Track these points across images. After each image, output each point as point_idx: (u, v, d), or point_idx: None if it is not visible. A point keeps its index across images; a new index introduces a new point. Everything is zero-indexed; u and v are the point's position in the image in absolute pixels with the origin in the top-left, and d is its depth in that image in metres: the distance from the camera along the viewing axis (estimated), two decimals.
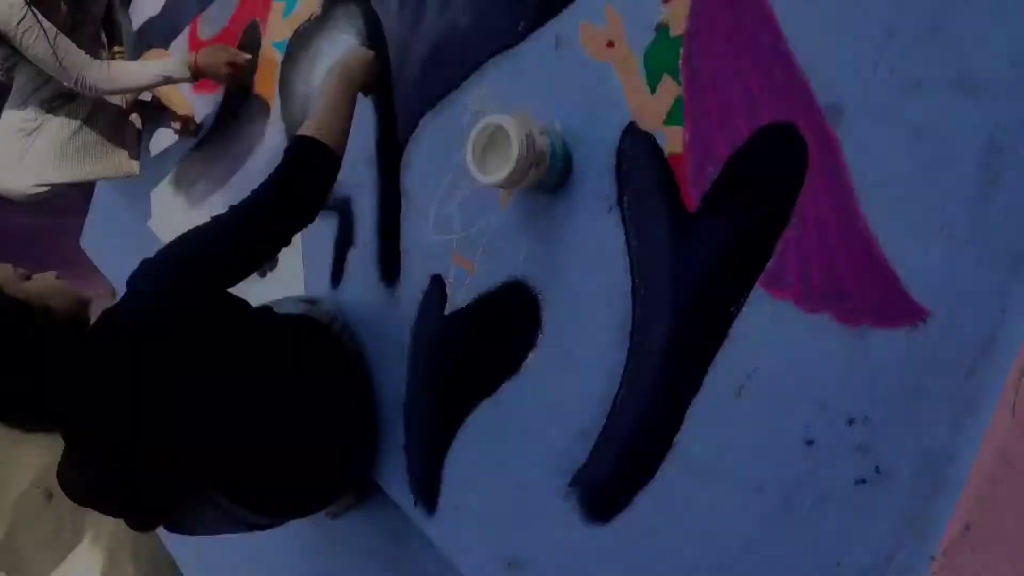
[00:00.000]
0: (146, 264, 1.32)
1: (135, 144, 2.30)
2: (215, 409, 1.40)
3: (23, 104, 2.09)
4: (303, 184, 1.40)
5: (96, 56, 2.16)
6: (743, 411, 1.14)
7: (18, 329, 1.18)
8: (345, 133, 1.47)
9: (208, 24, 2.30)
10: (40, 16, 1.83)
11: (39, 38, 1.83)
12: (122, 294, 1.34)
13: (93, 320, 1.32)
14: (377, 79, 1.68)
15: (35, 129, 2.10)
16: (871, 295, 1.03)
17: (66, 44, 1.91)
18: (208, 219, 1.36)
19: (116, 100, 2.23)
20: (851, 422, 1.03)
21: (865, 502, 1.01)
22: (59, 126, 2.12)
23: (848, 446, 1.03)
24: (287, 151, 1.42)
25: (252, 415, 1.46)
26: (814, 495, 1.05)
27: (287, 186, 1.38)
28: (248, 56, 2.07)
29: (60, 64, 1.89)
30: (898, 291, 1.01)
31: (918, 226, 1.00)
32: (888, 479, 0.99)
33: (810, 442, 1.07)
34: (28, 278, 1.28)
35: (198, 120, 2.32)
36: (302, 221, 1.40)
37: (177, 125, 2.33)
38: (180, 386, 1.32)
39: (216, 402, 1.39)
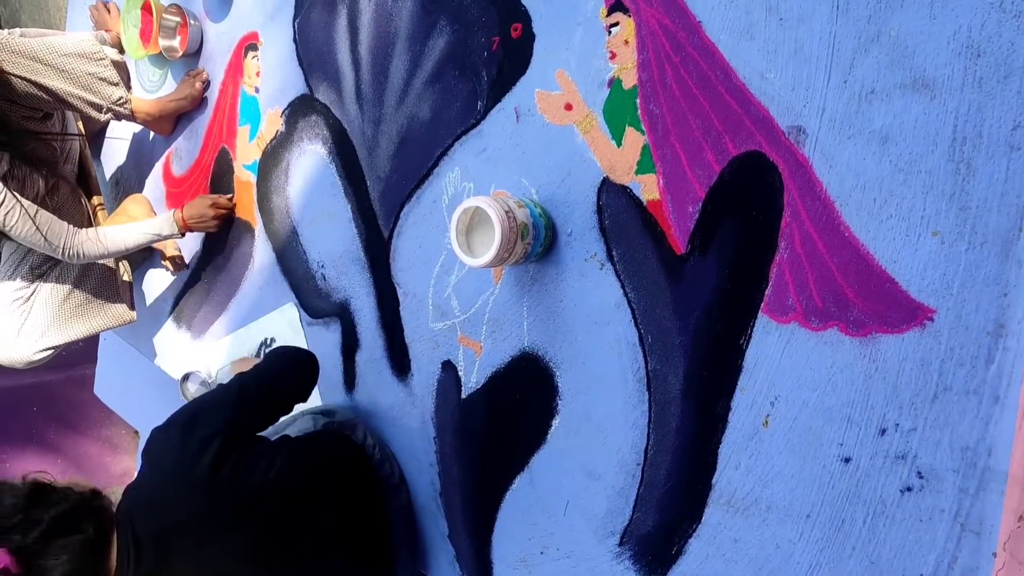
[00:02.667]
0: (155, 433, 1.33)
1: (128, 291, 2.33)
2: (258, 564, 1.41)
3: (12, 275, 2.11)
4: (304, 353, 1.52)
5: (79, 213, 2.20)
6: (774, 440, 1.13)
7: (39, 508, 1.21)
8: None
9: (178, 160, 2.34)
10: (18, 196, 1.86)
11: (21, 217, 1.85)
12: (142, 449, 1.35)
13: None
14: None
15: (29, 297, 2.12)
16: (874, 302, 1.03)
17: (47, 218, 1.92)
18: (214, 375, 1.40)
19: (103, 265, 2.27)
20: (883, 432, 1.02)
21: (916, 509, 1.00)
22: (51, 290, 2.15)
23: (886, 457, 1.02)
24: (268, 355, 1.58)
25: (299, 556, 1.45)
26: (864, 512, 1.04)
27: (291, 350, 1.48)
28: (231, 196, 2.12)
29: (46, 240, 1.91)
30: (899, 294, 1.01)
31: (904, 227, 1.00)
32: (933, 482, 0.98)
33: (847, 459, 1.06)
34: None
35: (186, 256, 2.35)
36: (307, 372, 1.47)
37: (168, 264, 2.37)
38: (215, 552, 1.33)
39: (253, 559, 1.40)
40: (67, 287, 2.15)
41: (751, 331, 1.16)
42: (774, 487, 1.13)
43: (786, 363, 1.12)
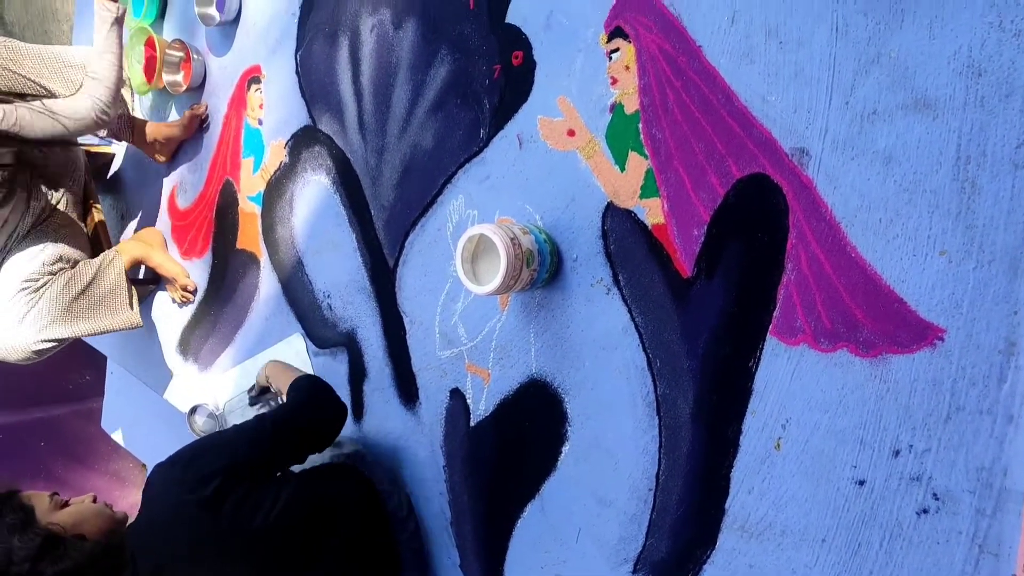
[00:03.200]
0: (157, 469, 1.32)
1: (135, 303, 2.31)
2: None
3: (26, 264, 2.07)
4: (327, 395, 1.52)
5: (80, 231, 2.21)
6: (787, 464, 1.12)
7: (47, 561, 1.19)
8: None
9: (183, 193, 2.36)
10: (16, 104, 1.81)
11: (31, 114, 1.81)
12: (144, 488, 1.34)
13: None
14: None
15: (39, 288, 2.08)
16: (883, 323, 1.03)
17: (52, 103, 1.87)
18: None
19: (124, 261, 2.25)
20: (897, 454, 1.01)
21: (933, 532, 0.99)
22: (64, 287, 2.12)
23: (900, 479, 1.01)
24: (295, 386, 1.56)
25: None
26: (880, 535, 1.03)
27: (314, 392, 1.48)
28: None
29: (66, 120, 1.86)
30: (909, 314, 1.01)
31: (911, 247, 1.00)
32: (949, 504, 0.97)
33: (861, 482, 1.05)
34: (65, 505, 1.30)
35: (190, 287, 2.35)
36: (327, 422, 1.46)
37: (176, 297, 2.37)
38: None
39: None
40: (79, 288, 2.13)
41: (760, 353, 1.15)
42: (788, 511, 1.12)
43: (796, 385, 1.11)
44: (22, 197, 2.03)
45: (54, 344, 2.12)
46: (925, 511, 0.99)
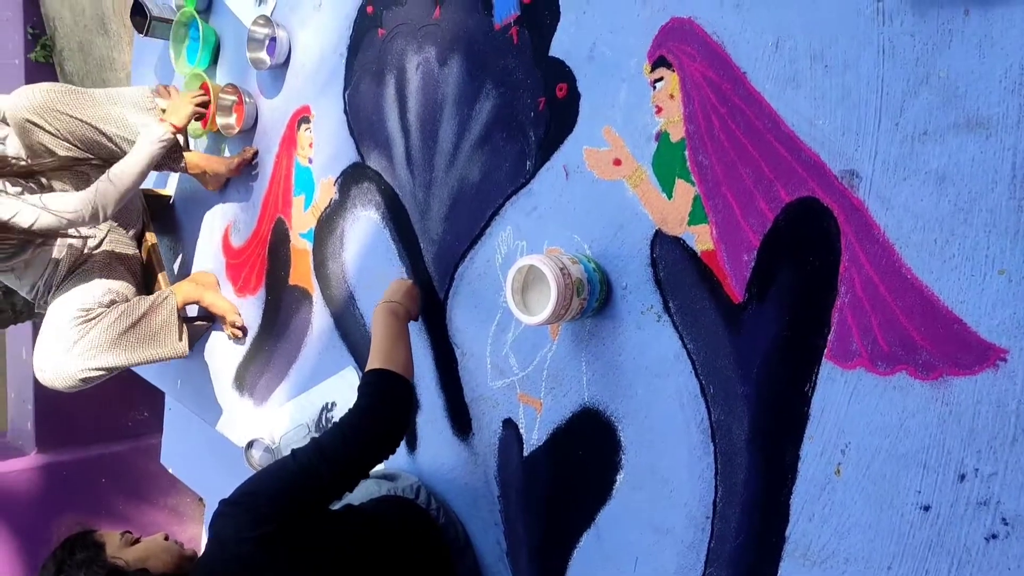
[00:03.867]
0: (221, 506, 1.34)
1: (184, 335, 2.36)
2: None
3: (80, 298, 2.11)
4: (385, 413, 1.41)
5: (136, 265, 2.28)
6: (848, 490, 1.11)
7: None
8: (410, 361, 1.50)
9: (237, 232, 2.42)
10: (19, 196, 1.86)
11: (29, 211, 1.84)
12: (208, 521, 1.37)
13: None
14: (417, 303, 1.73)
15: (92, 319, 2.12)
16: (942, 344, 1.01)
17: (53, 197, 1.91)
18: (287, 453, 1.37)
19: (177, 299, 2.31)
20: (962, 478, 0.99)
21: (1003, 557, 0.96)
22: (116, 319, 2.16)
23: (967, 503, 0.99)
24: (363, 386, 1.42)
25: None
26: (948, 562, 1.01)
27: (370, 416, 1.39)
28: (206, 98, 2.19)
29: (64, 216, 1.89)
30: (969, 335, 0.99)
31: (968, 267, 0.99)
32: (1019, 528, 0.95)
33: (926, 507, 1.03)
34: (136, 542, 1.35)
35: (238, 323, 2.40)
36: (386, 448, 1.40)
37: (229, 332, 2.42)
38: None
39: None
40: (130, 321, 2.18)
41: (816, 378, 1.14)
42: (851, 538, 1.10)
43: (855, 409, 1.10)
44: (51, 244, 2.09)
45: (102, 373, 2.15)
46: (994, 536, 0.97)
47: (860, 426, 1.09)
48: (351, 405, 1.39)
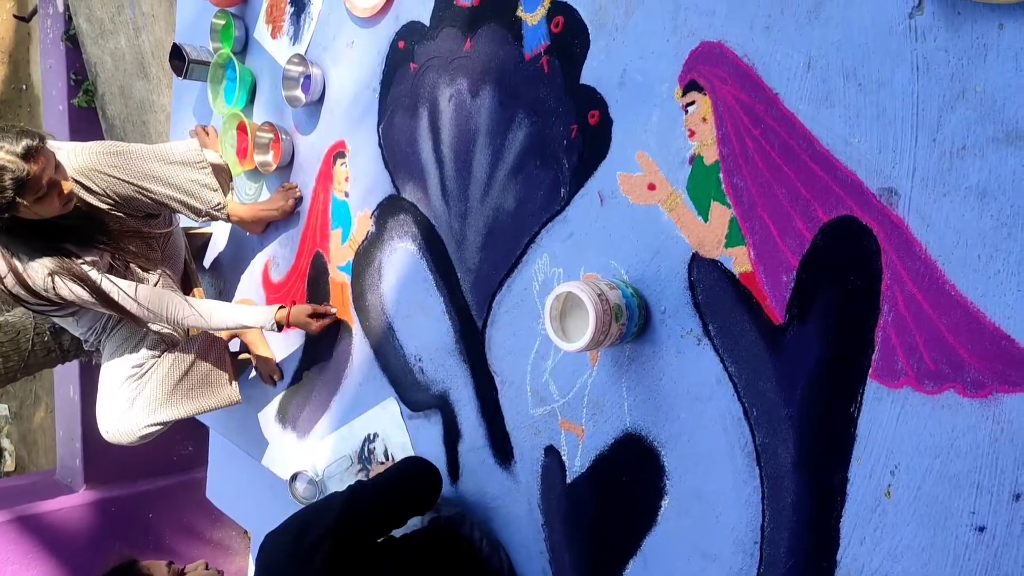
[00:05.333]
0: (269, 538, 1.36)
1: (236, 377, 2.41)
2: None
3: (131, 352, 2.18)
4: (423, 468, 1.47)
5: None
6: (899, 511, 1.09)
7: None
8: None
9: (276, 267, 2.45)
10: (114, 280, 1.95)
11: (121, 297, 1.94)
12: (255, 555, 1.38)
13: None
14: None
15: (144, 374, 2.18)
16: (990, 361, 1.00)
17: (147, 293, 2.01)
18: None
19: (222, 335, 2.36)
20: (1017, 497, 0.97)
21: None
22: (168, 371, 2.21)
23: (1023, 523, 0.97)
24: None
25: None
26: None
27: (411, 465, 1.43)
28: (335, 309, 2.21)
29: (152, 312, 1.99)
30: (1017, 351, 0.97)
31: (1014, 282, 0.97)
32: None
33: (981, 528, 1.01)
34: (181, 573, 1.37)
35: (289, 359, 2.44)
36: (426, 499, 1.45)
37: (264, 376, 2.46)
38: None
39: None
40: (183, 369, 2.23)
41: (861, 398, 1.13)
42: (905, 561, 1.08)
43: (903, 430, 1.08)
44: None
45: (160, 427, 2.22)
46: None
47: (909, 446, 1.08)
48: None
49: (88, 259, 1.91)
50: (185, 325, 2.09)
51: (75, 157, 1.92)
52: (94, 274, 1.90)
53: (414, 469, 1.55)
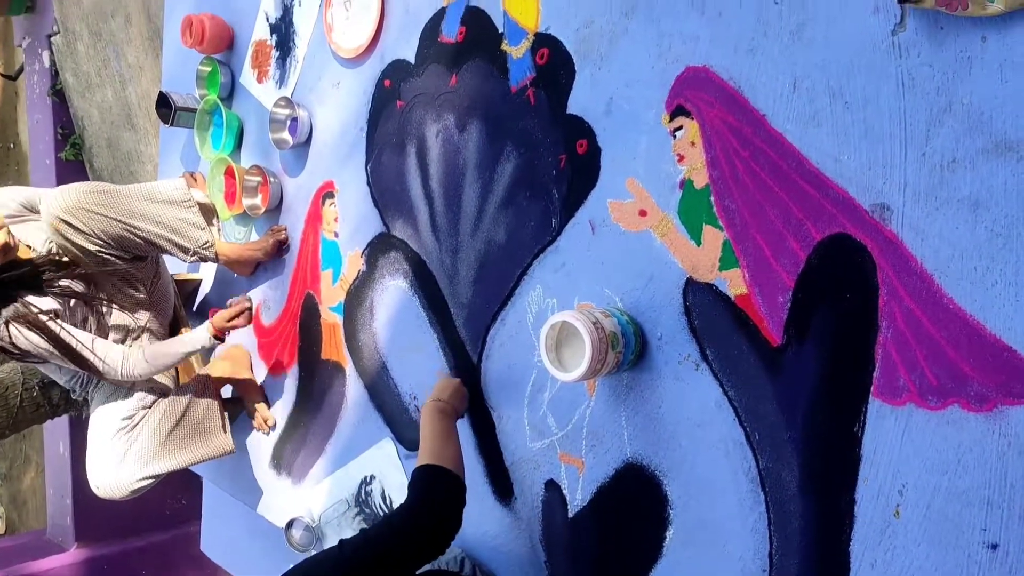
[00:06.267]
0: None
1: (228, 425, 2.36)
2: None
3: (120, 404, 2.14)
4: (435, 509, 1.37)
5: None
6: (909, 532, 1.07)
7: None
8: (460, 458, 1.47)
9: (267, 311, 2.43)
10: (71, 330, 1.92)
11: (79, 346, 1.91)
12: None
13: None
14: (464, 401, 1.71)
15: (135, 426, 2.14)
16: (993, 374, 0.99)
17: (104, 346, 1.98)
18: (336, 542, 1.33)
19: (208, 394, 2.33)
20: None
21: None
22: (159, 422, 2.17)
23: None
24: (413, 483, 1.40)
25: None
26: None
27: (423, 512, 1.36)
28: (247, 298, 2.19)
29: (104, 364, 1.96)
30: (1020, 362, 0.96)
31: (1012, 292, 0.97)
32: None
33: (994, 546, 0.99)
34: None
35: (270, 421, 2.42)
36: (436, 544, 1.35)
37: (256, 422, 2.43)
38: None
39: None
40: (174, 419, 2.19)
41: (864, 417, 1.11)
42: None
43: (908, 448, 1.07)
44: (98, 330, 2.12)
45: (153, 480, 2.18)
46: None
47: (916, 464, 1.06)
48: (402, 501, 1.36)
49: (47, 308, 1.88)
50: (137, 377, 2.05)
51: (62, 198, 1.91)
52: (52, 324, 1.88)
53: (413, 535, 1.43)
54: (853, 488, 1.13)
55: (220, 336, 2.13)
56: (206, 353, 2.18)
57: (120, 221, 1.99)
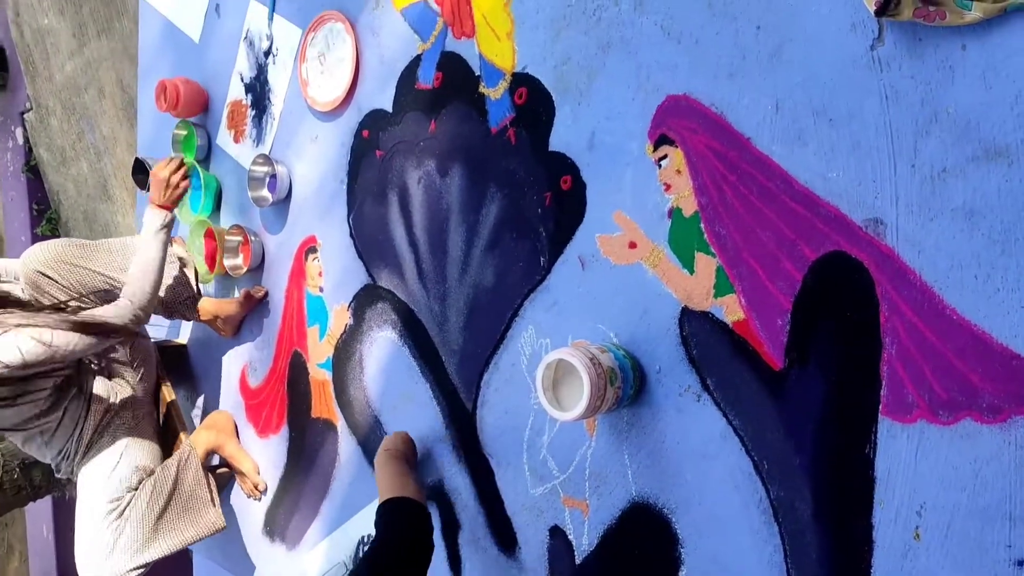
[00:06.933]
0: None
1: (216, 498, 2.30)
2: None
3: (104, 486, 2.07)
4: (404, 535, 1.43)
5: (153, 425, 2.27)
6: (931, 554, 1.03)
7: None
8: (420, 491, 1.59)
9: (254, 372, 2.39)
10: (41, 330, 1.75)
11: (58, 336, 1.76)
12: None
13: None
14: (412, 448, 1.78)
15: (123, 511, 2.08)
16: (1004, 383, 0.96)
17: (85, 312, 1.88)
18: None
19: (200, 452, 2.26)
20: None
21: None
22: (147, 506, 2.11)
23: None
24: (377, 520, 1.47)
25: None
26: None
27: (392, 540, 1.40)
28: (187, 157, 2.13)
29: (98, 339, 1.83)
30: None
31: (1015, 298, 0.95)
32: None
33: (1020, 562, 0.95)
34: None
35: (260, 486, 2.36)
36: (417, 571, 1.37)
37: (246, 488, 2.37)
38: None
39: None
40: (162, 502, 2.12)
41: (875, 437, 1.08)
42: None
43: (923, 466, 1.04)
44: (80, 399, 2.06)
45: (145, 569, 2.11)
46: None
47: (932, 483, 1.03)
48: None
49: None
50: (146, 301, 1.93)
51: (42, 252, 1.90)
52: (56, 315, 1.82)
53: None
54: (869, 512, 1.09)
55: (166, 206, 2.05)
56: (167, 231, 2.05)
57: (101, 274, 1.97)
